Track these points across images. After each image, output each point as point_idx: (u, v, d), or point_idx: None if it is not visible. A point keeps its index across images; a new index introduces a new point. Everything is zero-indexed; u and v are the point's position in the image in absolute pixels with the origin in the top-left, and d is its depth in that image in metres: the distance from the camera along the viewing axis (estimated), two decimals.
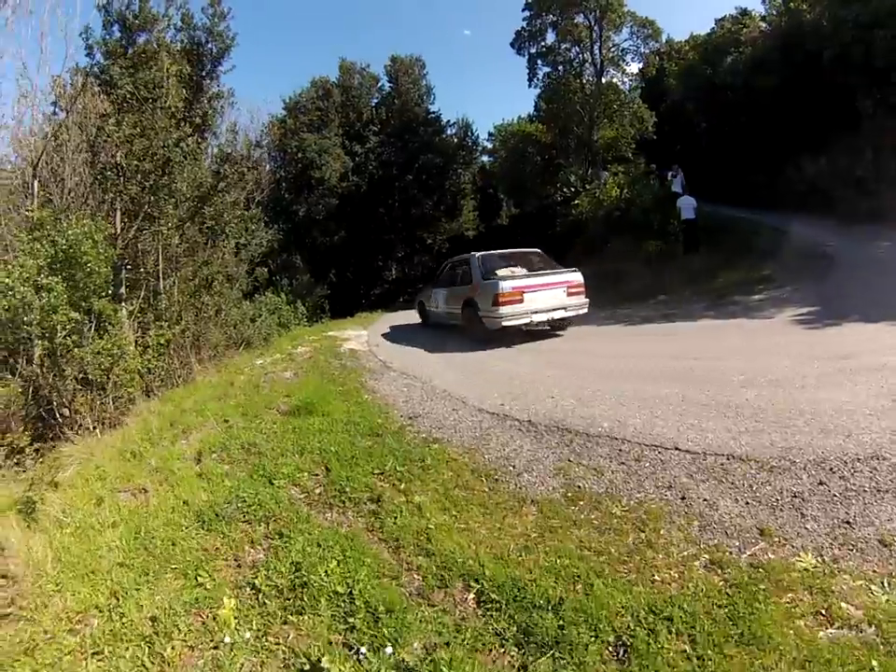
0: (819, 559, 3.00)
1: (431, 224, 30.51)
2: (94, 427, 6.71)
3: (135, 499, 4.46)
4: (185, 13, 10.58)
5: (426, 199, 29.91)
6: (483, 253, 11.11)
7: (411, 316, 16.80)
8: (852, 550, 3.04)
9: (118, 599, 3.17)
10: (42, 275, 6.27)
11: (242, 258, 13.70)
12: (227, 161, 10.99)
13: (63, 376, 6.64)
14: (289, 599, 3.05)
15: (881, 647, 2.41)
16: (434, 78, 44.05)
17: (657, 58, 31.77)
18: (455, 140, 32.03)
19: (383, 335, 12.83)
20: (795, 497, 3.57)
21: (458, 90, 73.38)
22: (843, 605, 2.66)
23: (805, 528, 3.27)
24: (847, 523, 3.26)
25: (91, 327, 7.09)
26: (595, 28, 24.62)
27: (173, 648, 2.79)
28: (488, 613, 2.87)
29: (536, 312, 9.47)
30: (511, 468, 4.47)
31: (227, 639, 2.75)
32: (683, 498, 3.74)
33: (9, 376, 6.55)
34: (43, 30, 9.49)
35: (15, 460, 5.77)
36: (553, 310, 9.67)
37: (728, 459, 4.14)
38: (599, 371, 7.06)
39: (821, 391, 5.25)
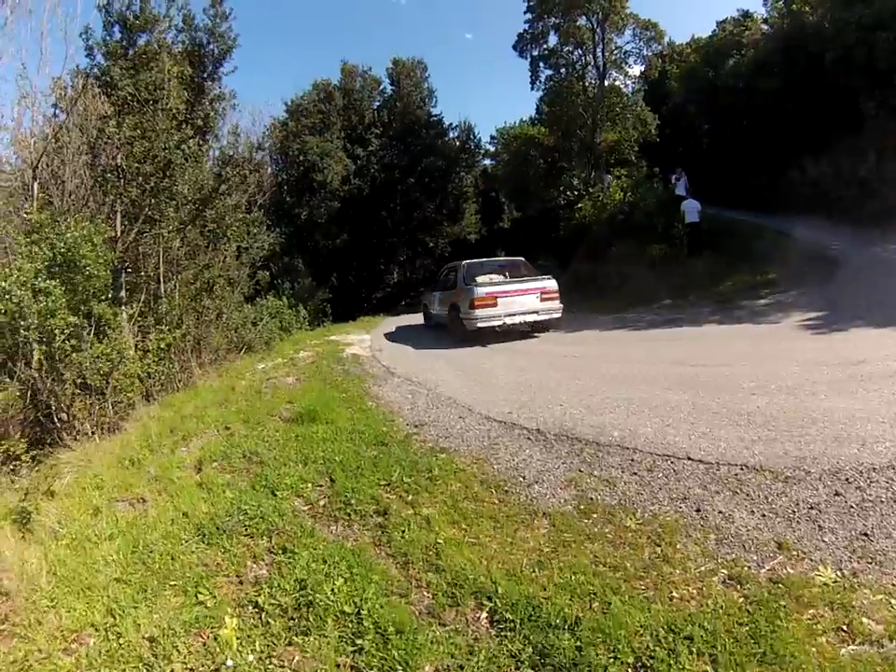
0: (839, 573, 2.93)
1: (433, 227, 30.45)
2: (93, 433, 6.61)
3: (133, 510, 4.34)
4: (186, 14, 10.47)
5: (428, 202, 29.84)
6: (469, 261, 12.37)
7: (413, 320, 16.84)
8: (871, 563, 2.98)
9: (114, 617, 3.03)
10: (40, 279, 6.16)
11: (243, 261, 13.58)
12: (229, 164, 10.90)
13: (61, 381, 6.52)
14: (294, 619, 2.92)
15: None
16: (436, 81, 44.09)
17: (659, 60, 31.69)
18: (458, 143, 31.99)
19: (385, 340, 12.76)
20: (812, 508, 3.50)
21: (460, 92, 73.50)
22: (864, 620, 2.59)
23: (823, 541, 3.20)
24: (865, 535, 3.20)
25: (90, 330, 6.97)
26: (598, 30, 24.51)
27: (172, 671, 2.66)
28: (502, 633, 2.75)
29: (509, 315, 10.45)
30: (521, 478, 4.36)
31: (229, 662, 2.63)
32: (698, 511, 3.65)
33: (7, 380, 6.44)
34: (43, 30, 9.38)
35: (11, 467, 5.67)
36: (526, 313, 10.63)
37: (742, 469, 4.06)
38: (607, 378, 6.97)
39: (833, 398, 5.20)
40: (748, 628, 2.60)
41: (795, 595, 2.77)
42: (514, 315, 10.50)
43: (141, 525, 3.98)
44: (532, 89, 27.94)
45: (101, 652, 2.80)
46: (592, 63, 25.54)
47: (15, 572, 3.42)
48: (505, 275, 11.93)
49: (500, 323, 10.47)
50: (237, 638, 2.77)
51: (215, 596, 3.15)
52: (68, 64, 10.30)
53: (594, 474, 4.31)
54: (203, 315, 10.81)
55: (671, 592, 2.93)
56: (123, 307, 8.53)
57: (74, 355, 6.48)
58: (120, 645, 2.83)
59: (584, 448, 4.77)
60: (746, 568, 3.04)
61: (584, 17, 24.49)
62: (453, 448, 5.07)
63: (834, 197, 17.66)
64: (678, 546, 3.30)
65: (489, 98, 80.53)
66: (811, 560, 3.05)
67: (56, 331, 6.19)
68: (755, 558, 3.13)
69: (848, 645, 2.46)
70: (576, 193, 23.46)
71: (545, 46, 26.41)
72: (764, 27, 26.78)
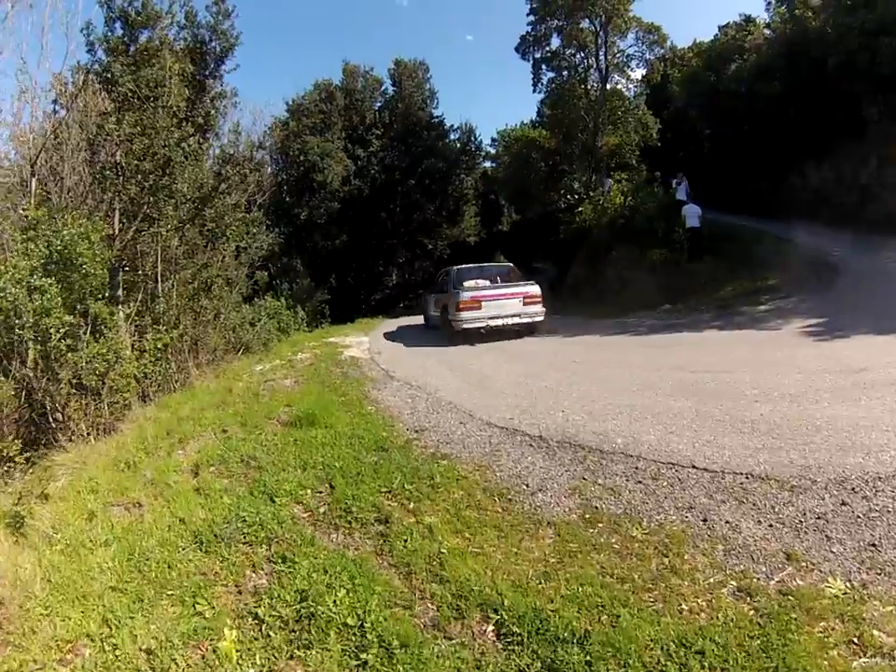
0: (848, 584, 2.89)
1: (433, 229, 30.47)
2: (88, 433, 6.50)
3: (129, 515, 4.24)
4: (189, 11, 10.41)
5: (428, 204, 29.86)
6: (459, 266, 13.45)
7: (412, 322, 16.86)
8: (880, 574, 2.95)
9: (110, 628, 2.95)
10: (35, 277, 6.06)
11: (242, 261, 13.50)
12: (229, 163, 10.83)
13: (57, 380, 6.43)
14: (295, 632, 2.83)
15: None
16: (436, 83, 44.05)
17: (661, 64, 31.73)
18: (459, 145, 32.05)
19: (384, 342, 12.71)
20: (819, 518, 3.46)
21: (461, 94, 73.50)
22: (874, 632, 2.55)
23: (832, 552, 3.16)
24: (873, 545, 3.17)
25: (86, 329, 6.88)
26: (601, 33, 24.52)
27: None
28: (509, 647, 2.68)
29: (492, 317, 11.23)
30: (525, 486, 4.28)
31: None
32: (705, 521, 3.59)
33: (2, 378, 6.35)
34: (44, 25, 9.30)
35: (5, 468, 5.58)
36: (509, 316, 11.38)
37: (747, 478, 4.02)
38: (608, 383, 6.91)
39: (836, 406, 5.18)
40: (759, 642, 2.55)
41: (806, 608, 2.73)
42: (497, 317, 11.25)
43: (137, 531, 3.89)
44: (534, 91, 28.01)
45: (97, 664, 2.72)
46: (594, 66, 25.59)
47: (8, 579, 3.34)
48: (496, 280, 12.71)
49: (484, 325, 11.21)
50: (237, 651, 2.69)
51: (213, 607, 3.07)
52: (69, 60, 10.24)
53: (598, 482, 4.25)
54: (201, 315, 10.73)
55: (680, 604, 2.88)
56: (120, 306, 8.43)
57: (69, 354, 6.38)
58: (117, 657, 2.75)
59: (588, 455, 4.71)
60: (755, 580, 2.99)
61: (587, 19, 24.53)
62: (454, 454, 4.98)
63: (836, 203, 17.69)
64: (685, 557, 3.25)
65: (490, 100, 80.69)
66: (820, 571, 3.01)
67: (51, 330, 6.09)
68: (764, 570, 3.08)
69: (860, 658, 2.44)
70: (576, 197, 23.47)
71: (547, 48, 26.46)
72: (767, 32, 26.86)
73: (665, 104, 29.24)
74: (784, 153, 21.12)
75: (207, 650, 2.76)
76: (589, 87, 25.95)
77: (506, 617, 2.84)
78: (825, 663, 2.40)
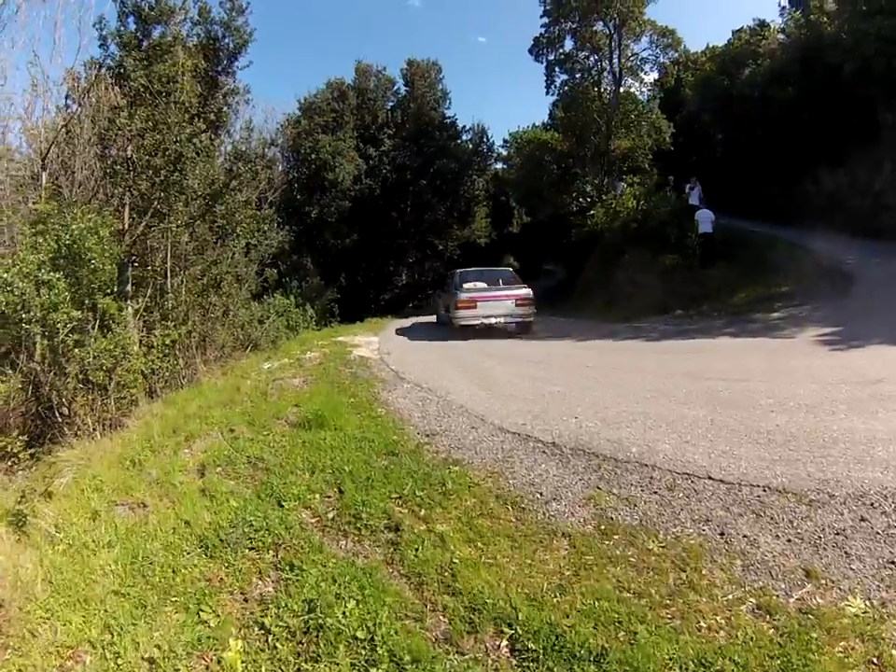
0: (868, 603, 2.83)
1: (443, 230, 30.45)
2: (94, 429, 6.45)
3: (133, 515, 4.15)
4: (202, 6, 10.43)
5: (439, 204, 29.84)
6: (462, 269, 15.24)
7: (421, 322, 16.77)
8: None
9: (112, 634, 2.87)
10: (43, 271, 6.01)
11: (252, 258, 13.47)
12: (240, 159, 10.76)
13: (64, 374, 6.39)
14: (303, 644, 2.74)
15: None
16: (448, 84, 44.09)
17: (675, 68, 31.61)
18: (471, 146, 32.05)
19: (394, 342, 12.59)
20: (838, 534, 3.39)
21: (473, 95, 73.63)
22: (894, 652, 2.52)
23: (851, 569, 3.11)
24: (893, 563, 3.12)
25: (94, 324, 6.84)
26: (615, 36, 24.47)
27: None
28: (524, 664, 2.61)
29: (487, 317, 12.41)
30: (539, 495, 4.17)
31: None
32: (722, 534, 3.51)
33: (10, 371, 6.32)
34: (57, 20, 9.33)
35: (9, 464, 5.52)
36: (502, 316, 12.54)
37: (765, 491, 3.92)
38: (622, 389, 6.79)
39: (853, 418, 5.08)
40: (779, 661, 2.50)
41: (827, 627, 2.67)
42: (490, 316, 12.43)
43: (141, 533, 3.79)
44: (547, 93, 28.01)
45: None
46: (607, 69, 25.56)
47: (9, 580, 3.26)
48: (497, 283, 13.68)
49: (479, 322, 12.46)
50: (242, 663, 2.61)
51: (218, 615, 2.98)
52: (81, 55, 10.29)
53: (613, 492, 4.14)
54: (210, 312, 10.69)
55: (699, 621, 2.81)
56: (129, 301, 8.41)
57: (76, 350, 6.33)
58: (118, 666, 2.68)
59: (602, 464, 4.59)
60: (774, 597, 2.93)
61: (601, 22, 24.49)
62: (466, 460, 4.87)
63: (850, 208, 17.56)
64: (703, 572, 3.17)
65: (502, 102, 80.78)
66: (840, 589, 2.95)
67: (59, 325, 6.05)
68: (783, 586, 3.02)
69: None
70: (588, 200, 23.42)
71: (561, 50, 26.45)
72: (781, 37, 26.74)
73: (677, 107, 29.16)
74: (798, 158, 21.00)
75: (212, 660, 2.68)
76: (602, 90, 25.91)
77: (520, 632, 2.77)
78: None
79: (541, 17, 26.22)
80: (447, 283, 15.30)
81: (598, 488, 4.22)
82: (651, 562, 3.29)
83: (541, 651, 2.64)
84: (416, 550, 3.48)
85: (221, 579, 3.28)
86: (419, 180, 29.40)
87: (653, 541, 3.48)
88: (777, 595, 2.94)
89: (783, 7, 27.47)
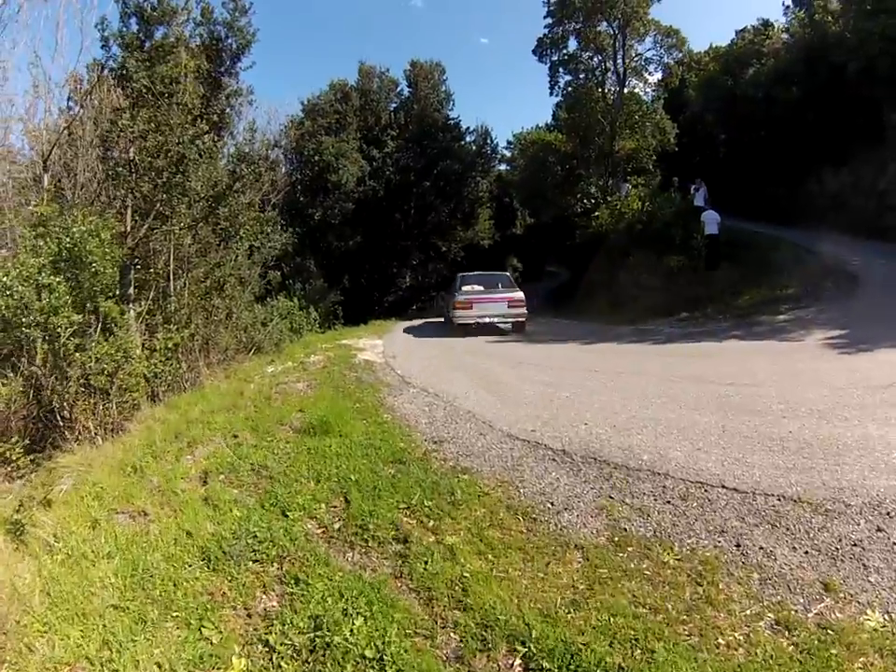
0: (887, 617, 2.74)
1: (447, 232, 30.38)
2: (96, 433, 6.39)
3: (134, 524, 4.05)
4: (205, 6, 10.32)
5: (442, 206, 29.75)
6: (463, 273, 16.27)
7: (426, 324, 16.71)
8: None
9: (111, 650, 2.76)
10: (44, 274, 5.93)
11: (255, 260, 13.39)
12: (243, 161, 10.69)
13: (65, 378, 6.32)
14: (309, 663, 2.62)
15: None
16: (452, 85, 44.05)
17: (679, 68, 31.52)
18: (474, 147, 31.93)
19: (398, 346, 12.47)
20: (855, 545, 3.29)
21: (476, 96, 73.66)
22: None
23: (869, 582, 3.01)
24: None
25: (96, 327, 6.77)
26: (619, 36, 24.41)
27: None
28: None
29: (481, 316, 13.78)
30: (550, 504, 4.06)
31: None
32: (738, 546, 3.41)
33: (11, 374, 6.24)
34: (58, 20, 9.25)
35: (8, 469, 5.45)
36: (495, 316, 13.94)
37: (780, 500, 3.82)
38: (630, 394, 6.68)
39: (867, 424, 4.99)
40: None
41: (846, 643, 2.58)
42: (485, 316, 13.81)
43: (141, 544, 3.69)
44: (551, 94, 27.98)
45: None
46: (611, 70, 25.51)
47: (6, 591, 3.17)
48: (496, 286, 14.73)
49: (474, 322, 13.82)
50: None
51: (221, 631, 2.87)
52: (83, 56, 10.17)
53: (625, 501, 4.03)
54: (213, 315, 10.62)
55: (717, 638, 2.69)
56: (131, 304, 8.34)
57: (77, 354, 6.26)
58: None
59: (613, 472, 4.48)
60: (793, 612, 2.82)
61: (605, 22, 24.42)
62: (475, 468, 4.75)
63: (854, 209, 17.48)
64: (720, 586, 3.06)
65: (505, 103, 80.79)
66: (858, 603, 2.86)
67: (60, 329, 5.97)
68: (801, 601, 2.91)
69: None
70: (593, 201, 23.34)
71: (565, 51, 26.40)
72: (785, 37, 26.65)
73: (681, 108, 29.10)
74: (802, 159, 20.93)
75: None
76: (606, 90, 25.86)
77: (534, 650, 2.65)
78: None
79: (545, 17, 26.21)
80: (451, 285, 16.48)
81: (610, 497, 4.11)
82: (666, 575, 3.18)
83: (556, 669, 2.53)
84: (426, 563, 3.37)
85: (224, 593, 3.17)
86: (423, 182, 29.29)
87: (668, 554, 3.38)
88: (796, 610, 2.84)
89: (787, 7, 27.40)
